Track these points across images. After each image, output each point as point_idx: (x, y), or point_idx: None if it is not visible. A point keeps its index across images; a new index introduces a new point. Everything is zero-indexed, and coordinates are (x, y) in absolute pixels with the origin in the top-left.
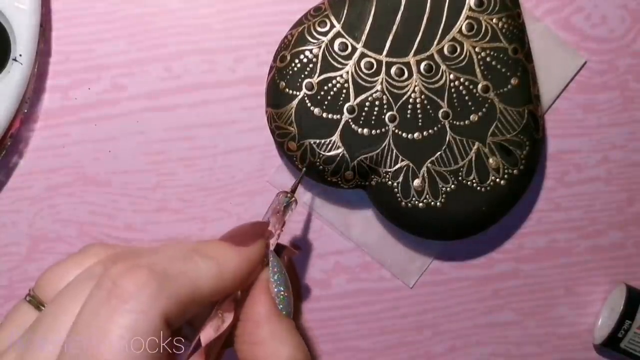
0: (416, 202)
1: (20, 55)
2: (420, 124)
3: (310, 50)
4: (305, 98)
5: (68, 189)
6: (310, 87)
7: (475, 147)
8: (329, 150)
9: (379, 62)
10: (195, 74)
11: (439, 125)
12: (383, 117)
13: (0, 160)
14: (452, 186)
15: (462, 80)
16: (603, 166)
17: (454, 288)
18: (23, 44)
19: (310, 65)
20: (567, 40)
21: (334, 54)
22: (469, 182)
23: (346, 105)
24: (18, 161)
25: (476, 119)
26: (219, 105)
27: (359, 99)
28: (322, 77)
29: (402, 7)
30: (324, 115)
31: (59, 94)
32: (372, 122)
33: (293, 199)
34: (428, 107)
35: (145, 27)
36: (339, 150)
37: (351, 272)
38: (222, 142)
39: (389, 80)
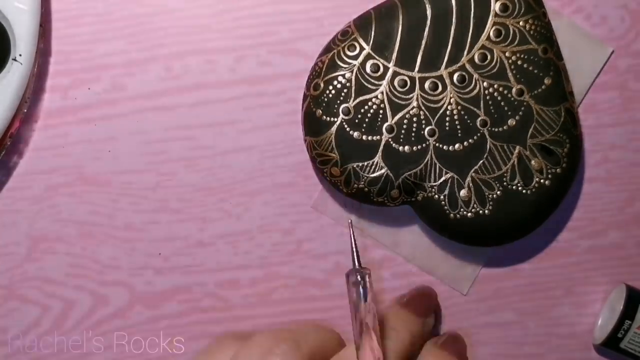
0: (464, 212)
1: (20, 55)
2: (459, 134)
3: (343, 75)
4: (344, 123)
5: (68, 189)
6: (347, 111)
7: (517, 151)
8: (373, 172)
9: (412, 79)
10: (195, 74)
11: (478, 134)
12: (422, 132)
13: (0, 160)
14: (498, 192)
15: (496, 86)
16: (603, 166)
17: (454, 288)
18: (23, 44)
19: (345, 90)
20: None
21: (366, 76)
22: (514, 187)
23: (385, 125)
24: (18, 161)
25: (514, 123)
26: (219, 105)
27: (396, 118)
28: (357, 100)
29: (428, 22)
30: (364, 137)
31: (59, 94)
32: (412, 138)
33: (367, 271)
34: (465, 117)
35: (145, 27)
36: (383, 171)
37: None
38: (222, 142)
39: (424, 95)
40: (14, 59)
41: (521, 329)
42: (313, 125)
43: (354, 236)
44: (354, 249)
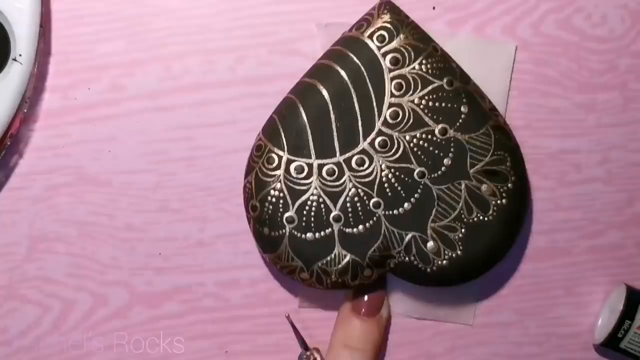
0: (439, 262)
1: (20, 55)
2: (403, 194)
3: (274, 188)
4: (293, 231)
5: (68, 189)
6: (291, 220)
7: (463, 186)
8: (339, 263)
9: (338, 164)
10: (195, 74)
11: (421, 186)
12: (368, 207)
13: (0, 160)
14: (463, 230)
15: (418, 135)
16: (603, 166)
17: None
18: (23, 44)
19: (281, 201)
20: (568, 40)
21: (295, 180)
22: (474, 219)
23: (331, 216)
24: (18, 161)
25: (450, 162)
26: (219, 105)
27: (338, 205)
28: (296, 205)
29: (329, 105)
30: (317, 235)
31: (59, 94)
32: (362, 217)
33: (310, 353)
34: (402, 176)
35: (145, 27)
36: (347, 258)
37: None
38: (222, 142)
39: (354, 173)
40: (14, 59)
41: (521, 329)
42: (266, 244)
43: (294, 327)
44: (299, 338)
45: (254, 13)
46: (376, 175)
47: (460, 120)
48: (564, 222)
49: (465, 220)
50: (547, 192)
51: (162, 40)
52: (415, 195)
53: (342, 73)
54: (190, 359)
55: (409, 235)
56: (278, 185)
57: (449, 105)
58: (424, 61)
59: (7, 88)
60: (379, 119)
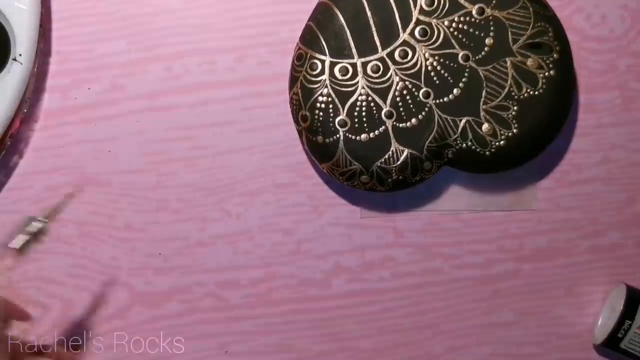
0: (496, 143)
1: (20, 55)
2: (451, 81)
3: (321, 94)
4: (347, 134)
5: (68, 189)
6: (343, 123)
7: (509, 63)
8: (397, 159)
9: (382, 59)
10: (195, 74)
11: (467, 70)
12: (418, 99)
13: (0, 160)
14: (515, 108)
15: (456, 19)
16: (603, 166)
17: (454, 288)
18: (23, 44)
19: (331, 106)
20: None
21: (341, 82)
22: (525, 95)
23: (383, 113)
24: (18, 161)
25: (492, 41)
26: (219, 105)
27: (389, 100)
28: (346, 107)
29: (364, 3)
30: (371, 135)
31: (59, 94)
32: (413, 110)
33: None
34: (447, 62)
35: (145, 27)
36: (405, 153)
37: (351, 272)
38: (222, 142)
39: (399, 67)
40: (14, 59)
41: (521, 329)
42: (322, 152)
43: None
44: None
45: (254, 13)
46: (421, 65)
47: (495, 1)
48: (564, 222)
49: (516, 97)
50: (547, 192)
51: (162, 40)
52: (463, 80)
53: None
54: (190, 359)
55: (463, 121)
56: (325, 91)
57: (477, 32)
58: None
59: (7, 88)
60: (415, 8)
